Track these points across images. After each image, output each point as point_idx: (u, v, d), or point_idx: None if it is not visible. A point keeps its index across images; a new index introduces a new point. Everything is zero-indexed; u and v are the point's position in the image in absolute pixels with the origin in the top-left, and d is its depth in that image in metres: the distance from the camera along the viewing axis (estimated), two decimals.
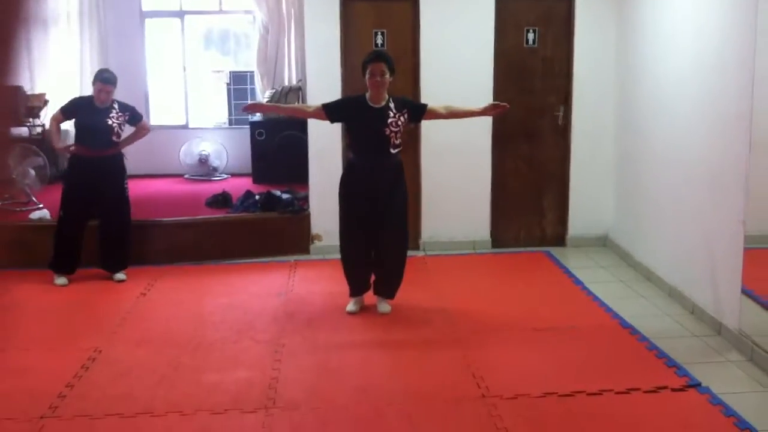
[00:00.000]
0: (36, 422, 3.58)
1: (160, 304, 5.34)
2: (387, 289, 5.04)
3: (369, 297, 5.13)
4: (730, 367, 4.18)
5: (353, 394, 3.87)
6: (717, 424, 3.52)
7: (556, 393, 3.81)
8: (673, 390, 3.85)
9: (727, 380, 3.99)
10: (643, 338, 4.54)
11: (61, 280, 5.74)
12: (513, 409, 3.67)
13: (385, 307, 5.03)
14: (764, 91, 4.15)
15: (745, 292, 4.38)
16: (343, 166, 4.87)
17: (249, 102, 5.38)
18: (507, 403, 3.72)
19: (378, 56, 4.74)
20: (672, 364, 4.16)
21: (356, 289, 5.06)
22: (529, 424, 3.53)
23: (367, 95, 4.76)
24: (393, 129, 4.68)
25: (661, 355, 4.29)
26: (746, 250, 4.35)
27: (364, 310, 5.07)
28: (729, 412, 3.59)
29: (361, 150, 4.82)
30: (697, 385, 3.89)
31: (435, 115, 4.87)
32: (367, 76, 4.69)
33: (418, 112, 4.83)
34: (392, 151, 4.74)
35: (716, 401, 3.71)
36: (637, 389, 3.85)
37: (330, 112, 4.82)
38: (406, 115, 4.75)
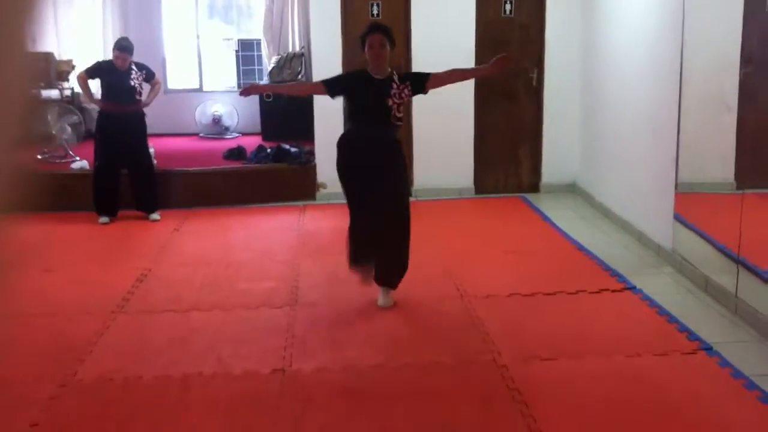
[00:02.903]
0: (109, 315, 4.56)
1: (192, 236, 6.31)
2: (387, 278, 4.67)
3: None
4: (662, 276, 5.18)
5: (357, 296, 4.83)
6: (642, 312, 4.52)
7: (519, 294, 4.82)
8: (613, 291, 4.86)
9: (658, 285, 4.99)
10: (594, 257, 5.54)
11: (103, 219, 6.70)
12: (484, 304, 4.67)
13: (386, 300, 4.66)
14: (694, 54, 5.10)
15: (680, 220, 5.35)
16: (340, 137, 4.65)
17: (249, 84, 4.99)
18: (480, 301, 4.72)
19: (376, 27, 4.55)
20: (614, 274, 5.17)
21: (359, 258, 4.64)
22: (496, 314, 4.52)
23: (369, 68, 4.54)
24: (396, 101, 4.45)
25: (606, 268, 5.29)
26: (682, 194, 5.31)
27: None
28: (653, 305, 4.60)
29: (362, 120, 4.56)
30: (632, 288, 4.89)
31: (440, 81, 4.64)
32: (366, 48, 4.47)
33: (421, 81, 4.57)
34: (393, 122, 4.50)
35: (645, 298, 4.72)
36: (584, 291, 4.85)
37: (330, 87, 4.57)
38: (409, 87, 4.52)
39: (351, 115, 4.68)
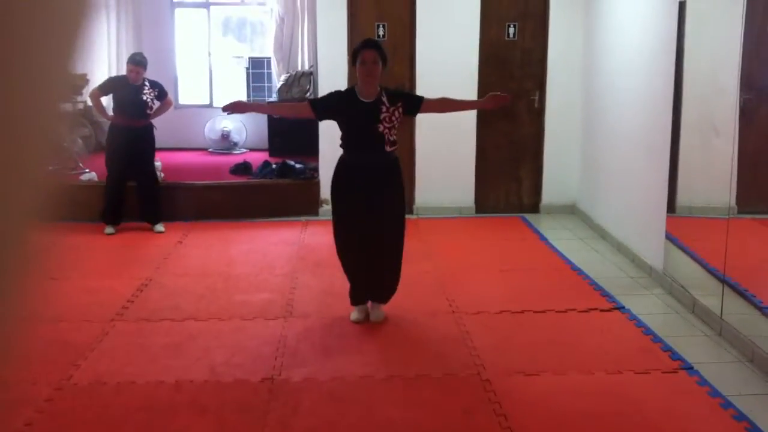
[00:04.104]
0: (108, 323, 4.69)
1: (195, 248, 6.45)
2: (379, 294, 4.72)
3: None
4: (652, 297, 5.26)
5: (350, 309, 4.93)
6: (629, 331, 4.60)
7: (510, 310, 4.91)
8: (601, 310, 4.94)
9: (646, 306, 5.07)
10: (587, 277, 5.63)
11: (109, 230, 6.86)
12: (475, 320, 4.76)
13: (378, 314, 4.70)
14: (692, 79, 5.20)
15: (674, 242, 5.43)
16: (338, 163, 4.57)
17: (231, 102, 4.56)
18: (470, 317, 4.82)
19: (369, 43, 4.43)
20: (605, 294, 5.25)
21: (357, 296, 4.74)
22: (485, 330, 4.62)
23: (357, 88, 4.39)
24: (386, 125, 4.30)
25: (597, 288, 5.38)
26: (677, 217, 5.39)
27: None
28: (640, 324, 4.68)
29: (354, 148, 4.45)
30: (620, 308, 4.98)
31: (432, 108, 4.57)
32: (357, 64, 4.32)
33: (413, 105, 4.45)
34: (387, 149, 4.37)
35: (632, 318, 4.80)
36: (574, 309, 4.94)
37: (316, 108, 4.46)
38: (400, 109, 4.36)
39: (344, 142, 4.52)
